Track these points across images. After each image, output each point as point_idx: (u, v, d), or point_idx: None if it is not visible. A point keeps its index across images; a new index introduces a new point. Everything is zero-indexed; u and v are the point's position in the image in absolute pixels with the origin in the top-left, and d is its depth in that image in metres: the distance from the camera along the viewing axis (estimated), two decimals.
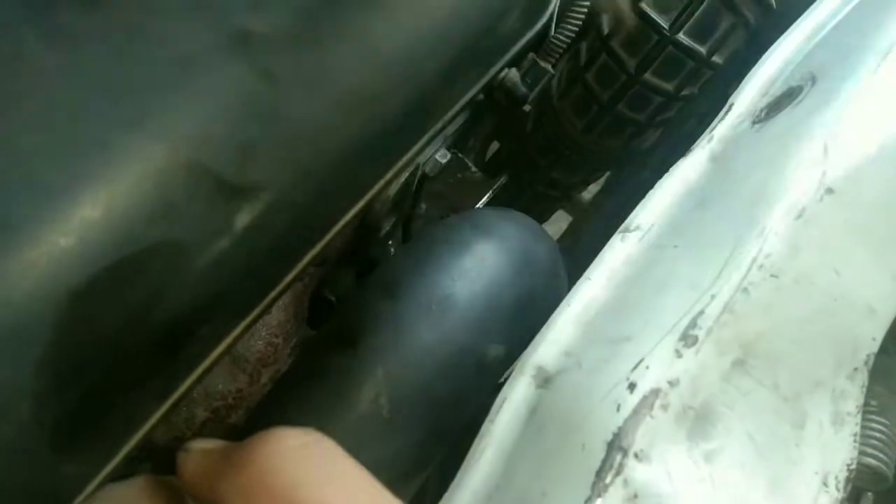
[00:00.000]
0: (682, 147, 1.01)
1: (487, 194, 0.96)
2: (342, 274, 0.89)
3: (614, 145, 0.88)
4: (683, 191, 0.55)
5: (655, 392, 0.42)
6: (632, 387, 0.42)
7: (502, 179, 0.95)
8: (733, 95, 0.62)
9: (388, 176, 0.46)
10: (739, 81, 0.92)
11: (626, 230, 0.54)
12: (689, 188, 0.55)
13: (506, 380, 0.53)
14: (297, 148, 0.35)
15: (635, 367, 0.43)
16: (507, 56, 0.49)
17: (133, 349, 0.35)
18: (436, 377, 0.56)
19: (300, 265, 0.41)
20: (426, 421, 0.55)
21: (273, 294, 0.40)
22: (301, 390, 0.56)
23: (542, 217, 1.16)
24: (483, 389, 0.60)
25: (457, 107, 0.48)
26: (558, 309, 0.52)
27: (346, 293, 0.85)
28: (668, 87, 0.79)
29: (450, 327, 0.57)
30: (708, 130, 0.60)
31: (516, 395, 0.49)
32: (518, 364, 0.50)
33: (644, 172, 1.03)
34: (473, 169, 1.01)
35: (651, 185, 1.01)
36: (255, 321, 0.42)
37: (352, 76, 0.36)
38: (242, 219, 0.34)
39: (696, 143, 0.59)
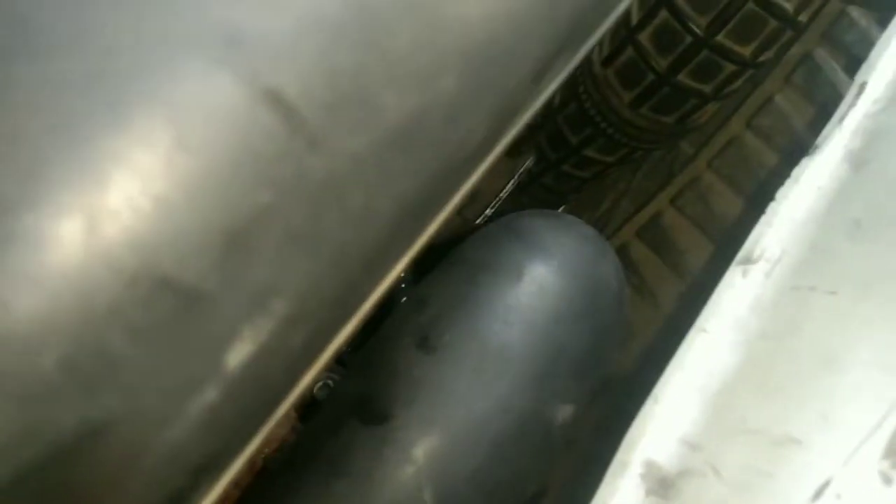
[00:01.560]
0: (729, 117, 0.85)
1: (513, 179, 0.81)
2: None
3: (667, 121, 0.73)
4: (821, 205, 0.41)
5: None
6: None
7: (530, 161, 0.80)
8: (862, 72, 0.47)
9: (445, 214, 0.31)
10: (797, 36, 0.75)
11: (748, 261, 0.40)
12: (829, 202, 0.41)
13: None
14: (326, 222, 0.20)
15: (819, 495, 0.30)
16: (607, 24, 0.34)
17: None
18: (492, 458, 0.43)
19: (314, 371, 0.27)
20: None
21: (271, 425, 0.26)
22: (315, 479, 0.42)
23: (562, 200, 1.01)
24: (550, 465, 0.47)
25: (537, 105, 0.33)
26: (666, 373, 0.38)
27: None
28: (745, 51, 0.64)
29: (507, 388, 0.44)
30: (835, 120, 0.45)
31: (619, 503, 0.35)
32: (618, 456, 0.37)
33: (683, 145, 0.89)
34: None
35: (693, 160, 0.87)
36: (251, 457, 0.28)
37: (415, 90, 0.21)
38: (238, 352, 0.19)
39: (822, 136, 0.45)
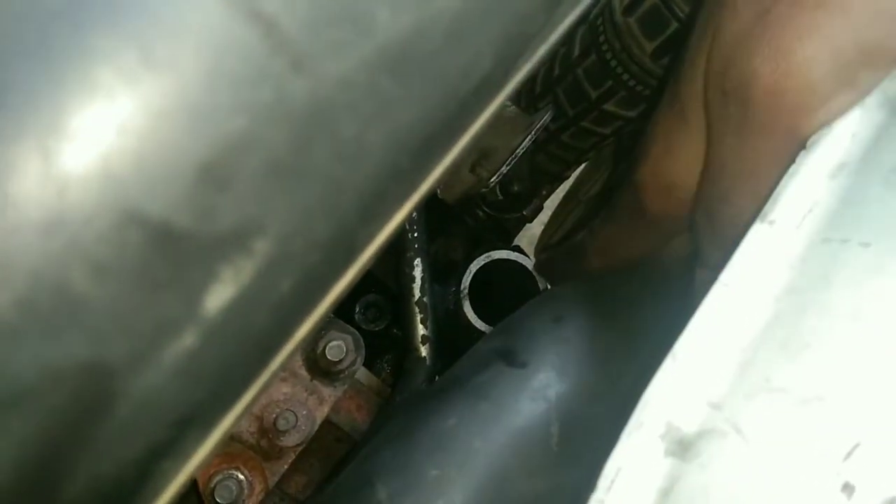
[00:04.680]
0: None
1: (530, 135, 0.78)
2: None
3: None
4: (856, 154, 0.39)
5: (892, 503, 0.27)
6: (848, 489, 0.27)
7: (547, 116, 0.78)
8: None
9: (450, 159, 0.29)
10: None
11: (775, 213, 0.38)
12: (864, 150, 0.39)
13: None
14: (313, 154, 0.18)
15: (849, 457, 0.28)
16: None
17: None
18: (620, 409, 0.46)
19: (310, 324, 0.25)
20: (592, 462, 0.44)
21: (265, 378, 0.25)
22: (464, 401, 0.48)
23: (581, 157, 0.98)
24: None
25: (552, 39, 0.30)
26: (686, 330, 0.36)
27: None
28: None
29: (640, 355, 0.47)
30: None
31: (636, 464, 0.34)
32: (635, 415, 0.35)
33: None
34: (506, 102, 0.83)
35: None
36: (245, 412, 0.26)
37: (411, 5, 0.19)
38: (218, 295, 0.17)
39: None
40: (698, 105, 0.46)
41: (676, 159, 0.49)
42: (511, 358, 0.49)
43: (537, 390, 0.46)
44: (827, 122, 0.40)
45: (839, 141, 0.39)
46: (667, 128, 0.51)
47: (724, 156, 0.44)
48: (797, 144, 0.40)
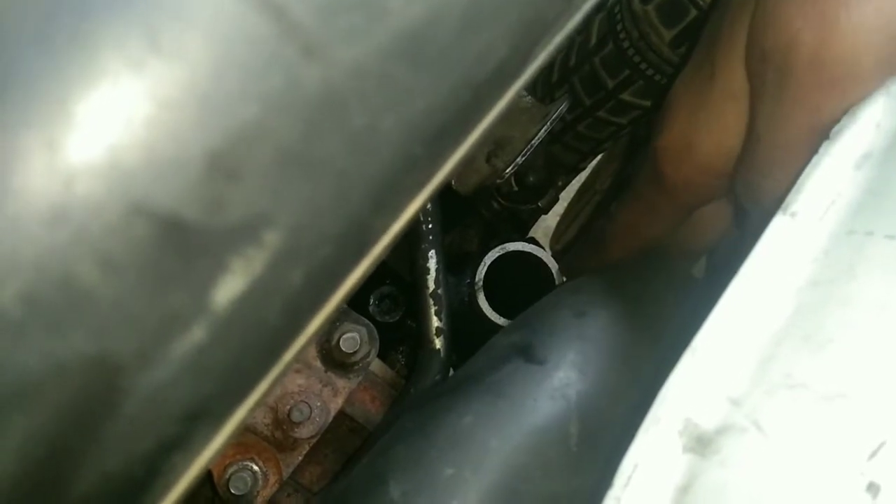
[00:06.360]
0: None
1: (546, 125, 0.78)
2: None
3: None
4: (881, 145, 0.38)
5: None
6: (873, 489, 0.27)
7: (563, 105, 0.77)
8: None
9: (465, 149, 0.28)
10: None
11: (798, 205, 0.37)
12: (889, 141, 0.38)
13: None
14: (324, 144, 0.17)
15: (874, 454, 0.27)
16: None
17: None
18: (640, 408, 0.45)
19: (322, 316, 0.25)
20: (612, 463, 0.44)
21: (277, 372, 0.24)
22: (480, 398, 0.47)
23: (597, 148, 0.97)
24: None
25: (569, 27, 0.30)
26: (706, 323, 0.35)
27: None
28: None
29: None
30: None
31: (653, 460, 0.33)
32: (653, 411, 0.34)
33: None
34: (522, 92, 0.83)
35: None
36: (257, 405, 0.26)
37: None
38: (227, 288, 0.17)
39: None
40: (731, 69, 0.43)
41: (697, 120, 0.47)
42: (530, 354, 0.48)
43: (557, 388, 0.45)
44: (859, 102, 0.38)
45: (864, 131, 0.38)
46: (692, 91, 0.48)
47: (759, 125, 0.41)
48: (834, 122, 0.37)
